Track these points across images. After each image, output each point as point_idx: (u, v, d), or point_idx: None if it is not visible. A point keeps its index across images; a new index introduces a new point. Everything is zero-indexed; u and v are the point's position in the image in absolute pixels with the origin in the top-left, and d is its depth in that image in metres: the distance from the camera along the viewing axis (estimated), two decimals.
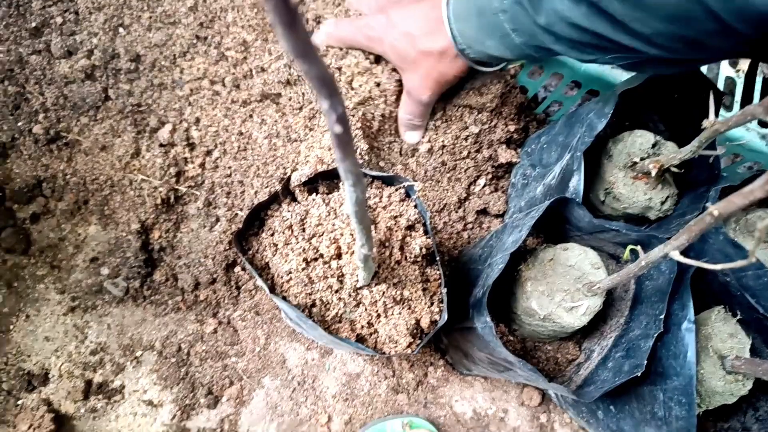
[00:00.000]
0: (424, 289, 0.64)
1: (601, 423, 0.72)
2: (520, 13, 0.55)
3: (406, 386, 0.87)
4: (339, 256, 0.59)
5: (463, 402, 0.88)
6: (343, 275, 0.58)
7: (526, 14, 0.54)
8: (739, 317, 0.68)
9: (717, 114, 0.64)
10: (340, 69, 0.80)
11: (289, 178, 0.67)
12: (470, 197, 0.93)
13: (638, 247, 0.56)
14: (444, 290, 0.62)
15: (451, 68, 0.70)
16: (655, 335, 0.63)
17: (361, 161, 0.86)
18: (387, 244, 0.61)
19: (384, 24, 0.70)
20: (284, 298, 0.59)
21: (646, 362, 0.62)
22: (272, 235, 0.63)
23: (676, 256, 0.47)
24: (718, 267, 0.42)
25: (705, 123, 0.63)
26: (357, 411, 0.85)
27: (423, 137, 0.85)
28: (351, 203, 0.35)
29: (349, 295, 0.59)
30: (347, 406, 0.85)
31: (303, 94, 0.84)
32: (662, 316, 0.64)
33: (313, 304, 0.61)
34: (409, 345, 0.59)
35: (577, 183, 0.68)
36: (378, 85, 0.79)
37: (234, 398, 0.84)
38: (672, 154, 0.69)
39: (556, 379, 0.75)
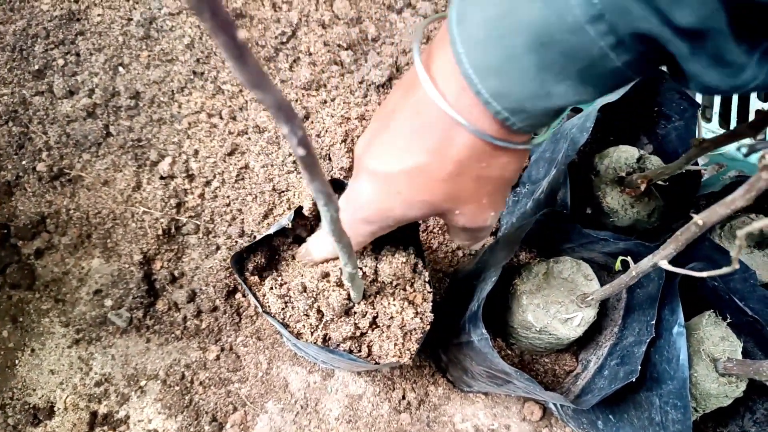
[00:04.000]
0: (411, 302, 0.65)
1: None
2: (639, 8, 0.28)
3: (408, 406, 0.88)
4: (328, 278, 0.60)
5: (465, 419, 0.89)
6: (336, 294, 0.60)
7: (650, 9, 0.28)
8: (729, 321, 0.70)
9: (699, 128, 0.67)
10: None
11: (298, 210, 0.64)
12: None
13: (628, 258, 0.59)
14: (430, 291, 0.63)
15: (500, 161, 0.41)
16: (648, 341, 0.65)
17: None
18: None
19: (371, 183, 0.44)
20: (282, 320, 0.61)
21: (639, 368, 0.63)
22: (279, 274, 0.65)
23: (665, 265, 0.49)
24: (704, 274, 0.44)
25: (693, 141, 0.65)
26: None
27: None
28: (326, 222, 0.34)
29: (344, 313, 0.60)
30: (350, 428, 0.86)
31: None
32: (653, 322, 0.66)
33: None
34: (402, 355, 0.60)
35: (564, 195, 0.70)
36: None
37: (238, 424, 0.84)
38: (660, 169, 0.72)
39: (555, 391, 0.76)
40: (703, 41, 0.28)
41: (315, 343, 0.59)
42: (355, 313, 0.60)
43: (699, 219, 0.41)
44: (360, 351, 0.61)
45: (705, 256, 0.72)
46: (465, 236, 0.52)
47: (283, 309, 0.60)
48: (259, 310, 0.58)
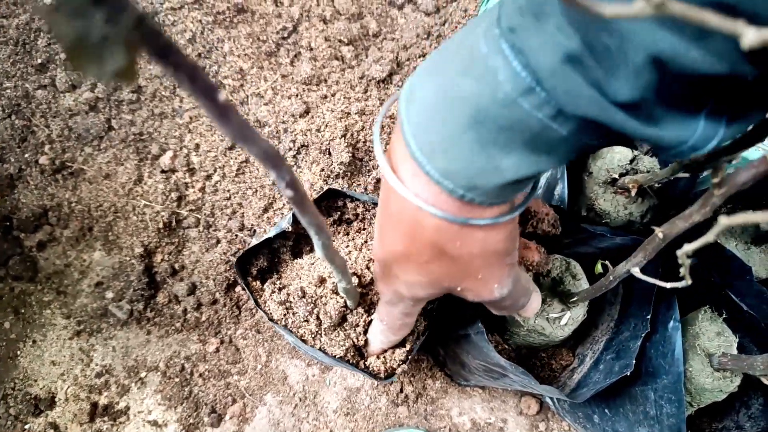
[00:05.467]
0: None
1: (597, 427, 0.74)
2: (575, 77, 0.28)
3: (406, 399, 0.88)
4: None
5: (462, 413, 0.89)
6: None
7: (586, 76, 0.28)
8: (725, 316, 0.70)
9: None
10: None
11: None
12: None
13: (607, 262, 0.59)
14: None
15: (475, 237, 0.38)
16: (643, 335, 0.65)
17: (341, 182, 0.89)
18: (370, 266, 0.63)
19: (379, 270, 0.46)
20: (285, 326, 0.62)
21: (634, 362, 0.64)
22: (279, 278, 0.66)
23: (637, 273, 0.50)
24: (668, 285, 0.45)
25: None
26: (358, 425, 0.86)
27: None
28: (318, 249, 0.36)
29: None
30: (348, 421, 0.86)
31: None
32: (649, 317, 0.66)
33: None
34: (399, 365, 0.61)
35: (561, 191, 0.71)
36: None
37: (237, 416, 0.85)
38: (650, 176, 0.72)
39: (551, 385, 0.77)
40: (639, 113, 0.28)
41: (320, 349, 0.61)
42: (349, 322, 0.60)
43: (659, 232, 0.43)
44: (357, 364, 0.62)
45: (701, 252, 0.72)
46: (495, 309, 0.50)
47: (284, 315, 0.61)
48: (265, 319, 0.60)
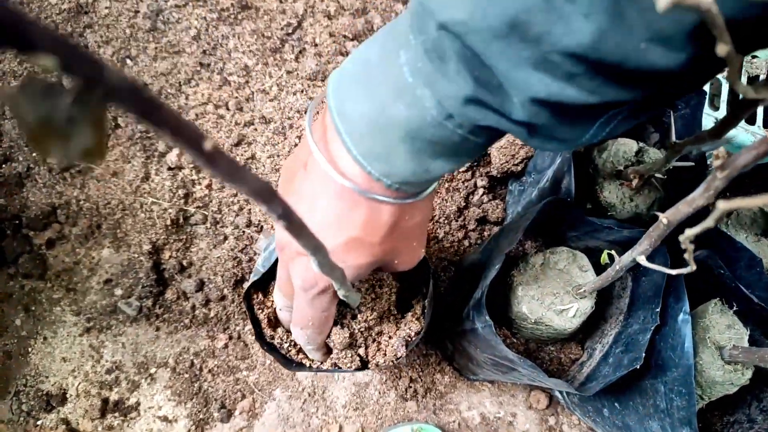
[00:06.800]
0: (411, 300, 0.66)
1: (607, 421, 0.73)
2: (478, 110, 0.34)
3: (415, 394, 0.88)
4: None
5: (471, 407, 0.89)
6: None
7: (486, 107, 0.34)
8: (735, 309, 0.70)
9: (702, 114, 0.67)
10: None
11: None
12: (469, 206, 0.96)
13: (613, 252, 0.59)
14: (426, 301, 0.64)
15: (417, 208, 0.47)
16: (652, 328, 0.65)
17: None
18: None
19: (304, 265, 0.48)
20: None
21: (644, 355, 0.63)
22: None
23: (643, 261, 0.50)
24: (674, 272, 0.45)
25: (667, 143, 0.65)
26: (367, 420, 0.86)
27: None
28: (315, 266, 0.37)
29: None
30: (357, 415, 0.87)
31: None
32: (658, 310, 0.65)
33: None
34: (398, 358, 0.61)
35: (568, 183, 0.70)
36: None
37: (247, 411, 0.86)
38: (648, 165, 0.71)
39: (560, 379, 0.76)
40: (536, 129, 0.33)
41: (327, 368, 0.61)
42: (355, 323, 0.61)
43: (664, 218, 0.43)
44: (362, 357, 0.62)
45: (711, 244, 0.72)
46: (396, 270, 0.56)
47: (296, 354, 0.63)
48: (283, 365, 0.62)
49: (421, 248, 0.53)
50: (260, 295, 0.64)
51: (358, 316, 0.59)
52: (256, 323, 0.62)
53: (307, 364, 0.62)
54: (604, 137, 0.34)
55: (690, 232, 0.34)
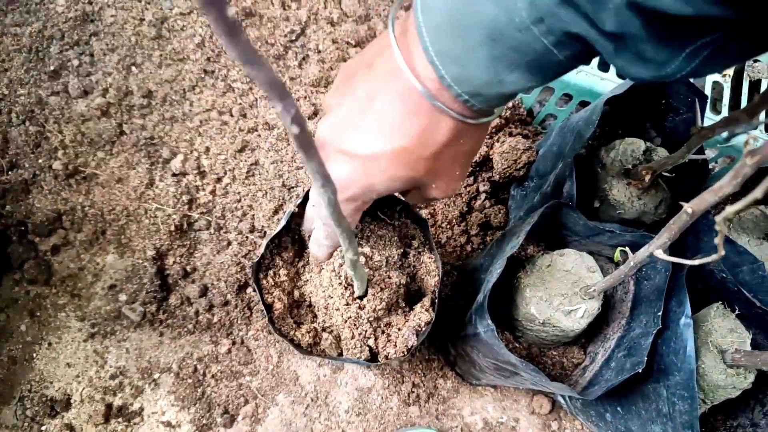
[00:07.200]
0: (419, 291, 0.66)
1: (609, 425, 0.73)
2: (569, 14, 0.32)
3: (418, 399, 0.88)
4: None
5: (474, 412, 0.89)
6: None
7: (578, 12, 0.32)
8: (738, 312, 0.70)
9: (703, 119, 0.67)
10: None
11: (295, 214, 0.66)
12: (472, 211, 0.96)
13: (626, 249, 0.59)
14: (437, 288, 0.64)
15: (473, 137, 0.47)
16: (654, 332, 0.65)
17: None
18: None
19: (351, 164, 0.45)
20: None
21: (646, 359, 0.63)
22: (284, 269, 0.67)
23: (661, 254, 0.49)
24: (695, 262, 0.44)
25: (693, 130, 0.65)
26: (370, 425, 0.86)
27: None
28: (324, 206, 0.33)
29: (348, 305, 0.61)
30: (360, 421, 0.87)
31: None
32: (660, 313, 0.66)
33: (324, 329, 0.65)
34: (408, 349, 0.61)
35: (570, 188, 0.70)
36: None
37: (249, 416, 0.86)
38: (663, 160, 0.72)
39: (563, 383, 0.76)
40: (624, 42, 0.32)
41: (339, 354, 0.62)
42: (362, 310, 0.61)
43: (688, 207, 0.42)
44: (371, 348, 0.62)
45: (713, 248, 0.72)
46: (423, 201, 0.56)
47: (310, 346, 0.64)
48: (296, 352, 0.63)
49: (462, 179, 0.51)
50: (270, 278, 0.65)
51: (366, 305, 0.59)
52: (268, 308, 0.63)
53: (315, 352, 0.63)
54: (688, 73, 0.33)
55: (731, 209, 0.34)
